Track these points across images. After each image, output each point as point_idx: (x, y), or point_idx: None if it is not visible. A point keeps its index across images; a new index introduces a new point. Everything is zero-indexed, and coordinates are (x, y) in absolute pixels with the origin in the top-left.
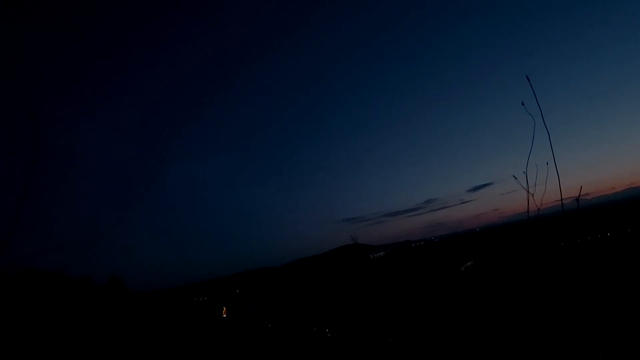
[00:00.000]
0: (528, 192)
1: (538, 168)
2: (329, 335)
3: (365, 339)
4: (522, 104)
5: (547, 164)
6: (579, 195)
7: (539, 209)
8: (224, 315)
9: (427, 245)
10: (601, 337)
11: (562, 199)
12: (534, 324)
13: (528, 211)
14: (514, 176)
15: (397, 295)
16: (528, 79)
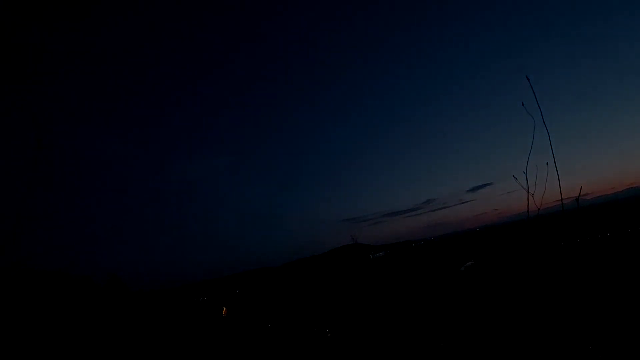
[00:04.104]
0: (528, 192)
1: (538, 168)
2: (329, 335)
3: (365, 339)
4: (522, 104)
5: (547, 164)
6: (579, 195)
7: (539, 209)
8: (224, 315)
9: (427, 245)
10: (601, 337)
11: (562, 199)
12: (534, 324)
13: (528, 211)
14: (514, 176)
15: (397, 296)
16: (528, 79)
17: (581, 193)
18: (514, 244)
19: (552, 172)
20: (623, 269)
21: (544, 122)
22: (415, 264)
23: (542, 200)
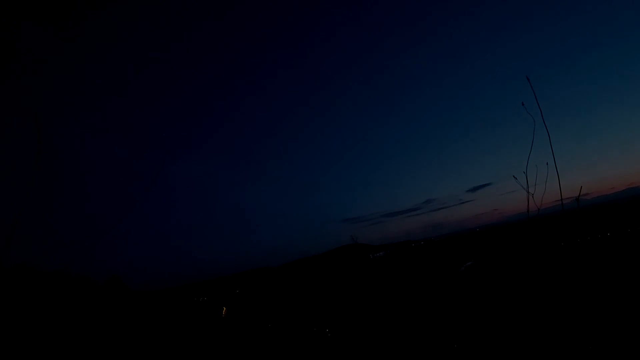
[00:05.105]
0: (528, 192)
1: (538, 168)
2: (329, 335)
3: (365, 339)
4: (522, 104)
5: (547, 164)
6: (579, 195)
7: (539, 209)
8: (224, 315)
9: (428, 245)
10: (601, 337)
11: (562, 199)
12: (534, 324)
13: (528, 211)
14: (513, 176)
15: (397, 295)
16: (528, 79)
17: (581, 193)
18: (514, 244)
19: (552, 172)
20: (623, 269)
21: (544, 122)
22: (415, 264)
23: (542, 200)
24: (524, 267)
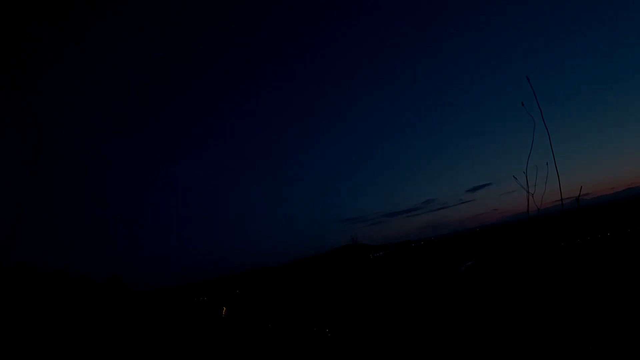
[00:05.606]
0: (528, 192)
1: (538, 168)
2: (329, 335)
3: (365, 339)
4: (522, 104)
5: (547, 164)
6: (579, 195)
7: (539, 209)
8: (224, 315)
9: (427, 245)
10: (601, 337)
11: (562, 199)
12: (534, 324)
13: (528, 211)
14: (513, 176)
15: (397, 296)
16: (528, 79)
17: (581, 193)
18: (514, 244)
19: (552, 172)
20: (623, 269)
21: (544, 122)
22: (415, 264)
23: (542, 200)
24: (523, 267)
